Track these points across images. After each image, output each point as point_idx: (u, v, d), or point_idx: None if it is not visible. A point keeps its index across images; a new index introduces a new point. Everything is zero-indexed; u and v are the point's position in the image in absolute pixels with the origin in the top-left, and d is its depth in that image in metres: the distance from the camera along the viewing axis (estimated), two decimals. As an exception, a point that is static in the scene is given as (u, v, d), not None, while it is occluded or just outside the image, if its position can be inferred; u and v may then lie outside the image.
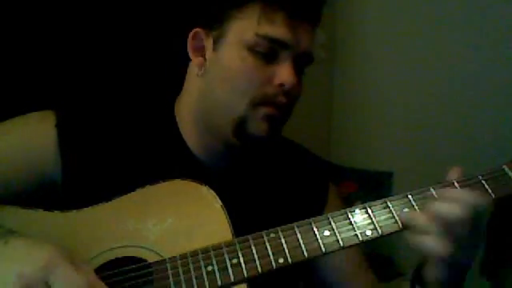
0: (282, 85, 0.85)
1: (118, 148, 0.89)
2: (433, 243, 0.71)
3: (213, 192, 0.80)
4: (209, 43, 0.88)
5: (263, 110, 0.85)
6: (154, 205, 0.80)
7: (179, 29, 0.92)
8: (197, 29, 0.90)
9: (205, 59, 0.89)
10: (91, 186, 0.85)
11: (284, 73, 0.84)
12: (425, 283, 0.78)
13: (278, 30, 0.83)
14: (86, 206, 0.80)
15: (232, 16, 0.86)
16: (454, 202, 0.72)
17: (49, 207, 0.81)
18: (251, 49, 0.84)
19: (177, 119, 0.94)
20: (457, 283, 0.78)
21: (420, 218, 0.73)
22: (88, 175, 0.86)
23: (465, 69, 1.93)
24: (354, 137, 2.29)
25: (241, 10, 0.85)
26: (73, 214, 0.80)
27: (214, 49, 0.87)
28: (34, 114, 0.89)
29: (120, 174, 0.86)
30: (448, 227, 0.71)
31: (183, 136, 0.93)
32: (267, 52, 0.84)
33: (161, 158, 0.90)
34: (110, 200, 0.81)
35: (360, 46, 2.25)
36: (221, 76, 0.87)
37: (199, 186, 0.81)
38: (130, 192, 0.81)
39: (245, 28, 0.84)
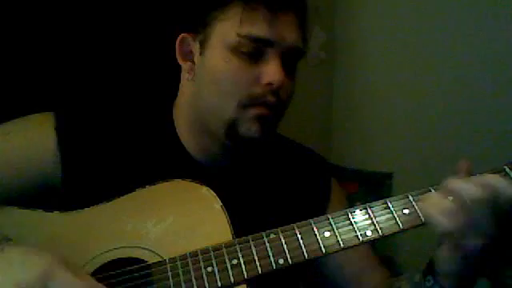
0: (269, 84, 0.83)
1: (117, 150, 0.89)
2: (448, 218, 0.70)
3: (213, 192, 0.80)
4: (196, 47, 0.88)
5: (253, 111, 0.84)
6: (153, 205, 0.80)
7: (175, 32, 0.92)
8: (183, 34, 0.89)
9: (193, 64, 0.89)
10: (91, 188, 0.85)
11: (271, 71, 0.82)
12: (437, 274, 0.77)
13: (259, 28, 0.81)
14: (86, 207, 0.80)
15: (215, 18, 0.84)
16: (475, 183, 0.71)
17: (49, 208, 0.81)
18: (235, 50, 0.82)
19: (174, 122, 0.94)
20: (469, 278, 0.76)
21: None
22: (87, 177, 0.86)
23: (465, 69, 1.93)
24: (354, 137, 2.29)
25: (223, 11, 0.84)
26: (72, 215, 0.80)
27: (201, 53, 0.87)
28: (34, 116, 0.89)
29: (119, 176, 0.86)
30: (466, 204, 0.69)
31: (181, 138, 0.92)
32: (252, 51, 0.82)
33: (159, 160, 0.90)
34: (110, 201, 0.80)
35: (360, 46, 2.25)
36: (208, 80, 0.86)
37: (199, 186, 0.81)
38: (129, 193, 0.81)
39: (227, 29, 0.83)
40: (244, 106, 0.84)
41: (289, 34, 0.84)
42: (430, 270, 0.78)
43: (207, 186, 0.81)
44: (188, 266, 0.73)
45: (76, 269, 0.67)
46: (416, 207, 0.76)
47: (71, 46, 1.36)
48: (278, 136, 1.02)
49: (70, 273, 0.65)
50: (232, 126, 0.85)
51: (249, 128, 0.84)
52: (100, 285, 0.68)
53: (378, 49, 2.19)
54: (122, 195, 0.81)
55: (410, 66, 2.09)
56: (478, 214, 0.69)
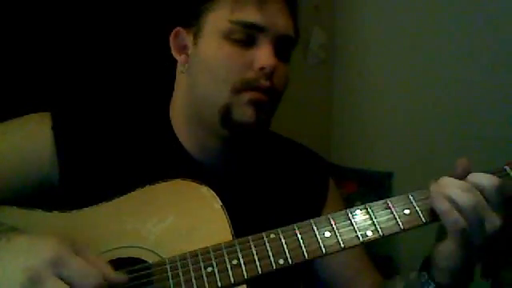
0: (262, 68, 0.84)
1: (115, 150, 0.89)
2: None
3: (213, 192, 0.80)
4: (190, 40, 0.89)
5: (247, 96, 0.84)
6: (153, 205, 0.80)
7: (169, 29, 0.93)
8: (177, 28, 0.91)
9: (188, 57, 0.90)
10: (88, 187, 0.85)
11: (263, 55, 0.84)
12: (434, 270, 0.77)
13: (250, 14, 0.83)
14: (84, 207, 0.80)
15: (207, 9, 0.86)
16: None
17: (48, 207, 0.81)
18: (227, 37, 0.84)
19: (171, 121, 0.94)
20: (466, 275, 0.77)
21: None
22: (85, 176, 0.86)
23: (465, 69, 1.93)
24: (354, 137, 2.29)
25: (214, 1, 0.86)
26: (72, 215, 0.80)
27: (195, 44, 0.88)
28: (31, 116, 0.89)
29: (116, 176, 0.86)
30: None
31: (179, 137, 0.92)
32: (244, 38, 0.84)
33: (158, 160, 0.90)
34: (109, 200, 0.80)
35: (360, 46, 2.25)
36: (202, 68, 0.87)
37: (199, 186, 0.80)
38: (127, 193, 0.81)
39: (219, 18, 0.85)
40: (238, 91, 0.84)
41: (280, 21, 0.85)
42: (426, 266, 0.79)
43: (207, 185, 0.81)
44: (188, 266, 0.73)
45: (83, 251, 0.67)
46: (417, 207, 0.76)
47: (68, 46, 1.36)
48: (277, 135, 1.02)
49: (80, 259, 0.65)
50: (226, 112, 0.85)
51: (243, 113, 0.84)
52: (109, 268, 0.67)
53: (378, 49, 2.20)
54: (122, 195, 0.80)
55: (410, 66, 2.10)
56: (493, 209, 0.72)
